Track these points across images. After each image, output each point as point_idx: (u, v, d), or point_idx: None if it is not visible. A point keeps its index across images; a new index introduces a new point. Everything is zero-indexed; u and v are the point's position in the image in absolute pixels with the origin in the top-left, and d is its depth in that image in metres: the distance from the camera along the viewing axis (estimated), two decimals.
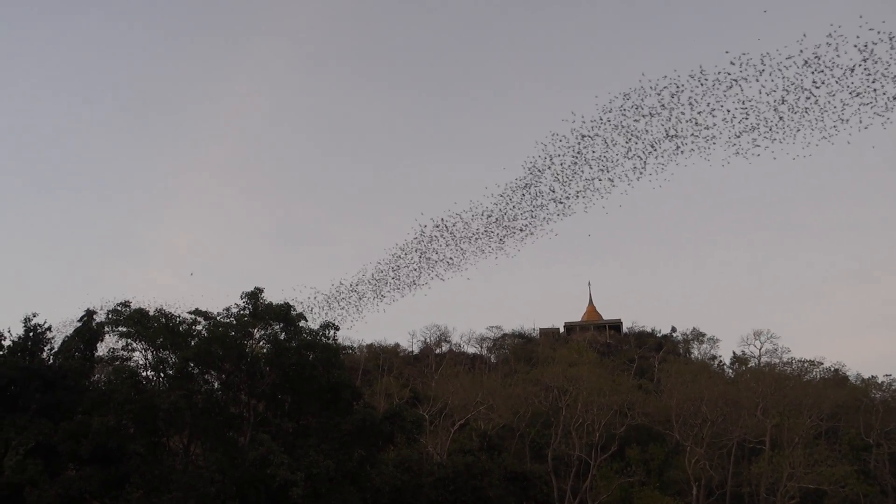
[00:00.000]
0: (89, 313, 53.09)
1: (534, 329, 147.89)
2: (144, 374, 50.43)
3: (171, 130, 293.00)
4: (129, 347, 50.58)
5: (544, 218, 42.41)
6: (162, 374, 50.69)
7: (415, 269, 51.35)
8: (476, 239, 45.77)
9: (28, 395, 46.02)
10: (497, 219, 44.65)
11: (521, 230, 43.98)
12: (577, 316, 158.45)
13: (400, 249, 52.13)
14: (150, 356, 50.61)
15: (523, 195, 42.30)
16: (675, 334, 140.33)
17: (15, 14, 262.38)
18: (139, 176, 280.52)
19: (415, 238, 50.91)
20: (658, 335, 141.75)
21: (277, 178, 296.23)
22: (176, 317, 50.92)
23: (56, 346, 51.44)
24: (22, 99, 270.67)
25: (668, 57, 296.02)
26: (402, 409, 55.73)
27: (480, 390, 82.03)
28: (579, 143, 39.15)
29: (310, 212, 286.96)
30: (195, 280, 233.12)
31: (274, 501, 44.07)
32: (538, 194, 41.87)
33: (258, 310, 51.10)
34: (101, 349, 54.32)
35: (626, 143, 37.25)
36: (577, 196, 40.68)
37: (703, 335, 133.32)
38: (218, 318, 51.09)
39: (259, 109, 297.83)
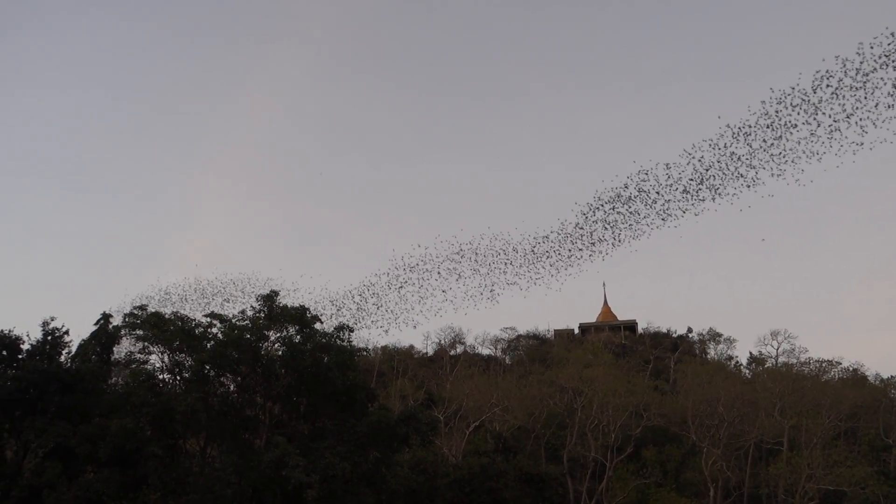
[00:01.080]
0: (106, 317, 53.49)
1: (548, 330, 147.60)
2: (161, 376, 50.90)
3: (184, 133, 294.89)
4: (146, 350, 51.07)
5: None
6: (178, 377, 51.10)
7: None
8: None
9: (47, 398, 46.48)
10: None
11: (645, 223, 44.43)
12: (591, 317, 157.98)
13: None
14: (166, 359, 51.09)
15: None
16: (690, 335, 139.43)
17: (31, 14, 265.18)
18: (152, 179, 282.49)
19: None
20: (673, 335, 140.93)
21: (290, 181, 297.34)
22: (192, 320, 51.33)
23: (73, 350, 51.90)
24: (35, 100, 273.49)
25: (669, 60, 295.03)
26: (417, 411, 55.75)
27: (495, 392, 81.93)
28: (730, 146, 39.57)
29: (323, 214, 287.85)
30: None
31: (289, 503, 44.26)
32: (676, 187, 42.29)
33: (273, 312, 51.35)
34: (118, 352, 54.79)
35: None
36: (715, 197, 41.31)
37: (720, 335, 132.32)
38: (233, 320, 51.43)
39: (272, 113, 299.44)
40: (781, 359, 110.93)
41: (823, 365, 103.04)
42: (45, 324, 50.50)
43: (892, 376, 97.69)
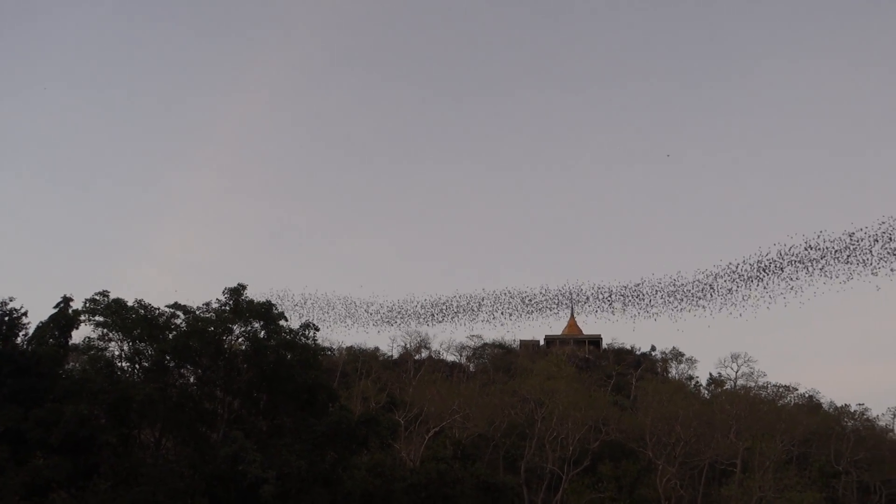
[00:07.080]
0: (66, 300, 52.30)
1: (514, 340, 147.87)
2: (119, 364, 50.00)
3: (167, 128, 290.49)
4: (106, 337, 50.06)
5: None
6: (137, 366, 50.28)
7: None
8: None
9: None
10: None
11: None
12: (557, 329, 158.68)
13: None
14: (126, 347, 50.16)
15: None
16: (653, 352, 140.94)
17: (19, 9, 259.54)
18: (134, 173, 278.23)
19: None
20: (637, 352, 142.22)
21: (275, 179, 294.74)
22: (155, 309, 50.51)
23: (31, 332, 50.75)
24: (22, 95, 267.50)
25: (668, 64, 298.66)
26: (378, 414, 55.62)
27: (457, 398, 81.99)
28: None
29: (307, 214, 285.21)
30: (184, 278, 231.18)
31: (244, 499, 43.76)
32: None
33: (239, 306, 50.83)
34: (77, 337, 53.68)
35: None
36: None
37: (682, 355, 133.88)
38: (197, 312, 50.78)
39: (258, 109, 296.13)
40: (740, 381, 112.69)
41: (780, 390, 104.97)
42: (2, 304, 49.39)
43: (845, 405, 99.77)
